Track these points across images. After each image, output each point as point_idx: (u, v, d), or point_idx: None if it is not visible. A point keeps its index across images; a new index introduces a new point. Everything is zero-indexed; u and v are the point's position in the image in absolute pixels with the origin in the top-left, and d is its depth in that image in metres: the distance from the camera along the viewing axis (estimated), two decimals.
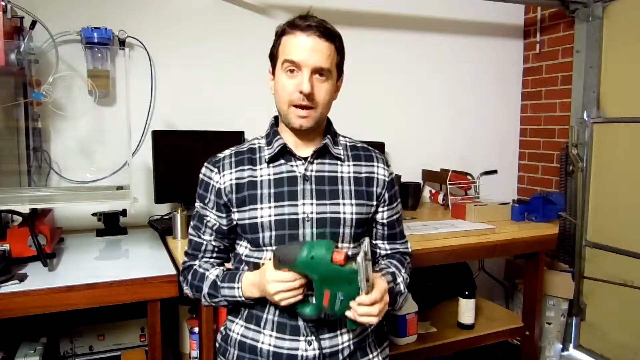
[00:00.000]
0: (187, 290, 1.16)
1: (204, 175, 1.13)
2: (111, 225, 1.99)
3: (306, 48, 1.02)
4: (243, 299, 1.06)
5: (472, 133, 2.88)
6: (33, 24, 1.80)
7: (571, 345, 2.62)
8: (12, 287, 1.36)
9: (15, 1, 1.70)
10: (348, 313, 0.96)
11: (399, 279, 1.13)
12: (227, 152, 1.14)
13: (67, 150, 2.03)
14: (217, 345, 1.19)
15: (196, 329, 1.69)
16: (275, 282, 0.97)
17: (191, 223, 1.17)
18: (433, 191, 2.71)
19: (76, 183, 2.04)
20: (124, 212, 2.01)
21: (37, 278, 1.43)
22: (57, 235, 1.77)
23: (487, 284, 2.82)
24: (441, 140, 2.80)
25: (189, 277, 1.14)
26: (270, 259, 1.01)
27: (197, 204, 1.15)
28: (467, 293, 2.10)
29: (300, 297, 0.99)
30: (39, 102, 1.87)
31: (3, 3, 1.52)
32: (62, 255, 1.67)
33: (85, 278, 1.43)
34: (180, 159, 2.00)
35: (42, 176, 1.98)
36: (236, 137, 2.07)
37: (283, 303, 0.98)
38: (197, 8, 2.22)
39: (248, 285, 1.05)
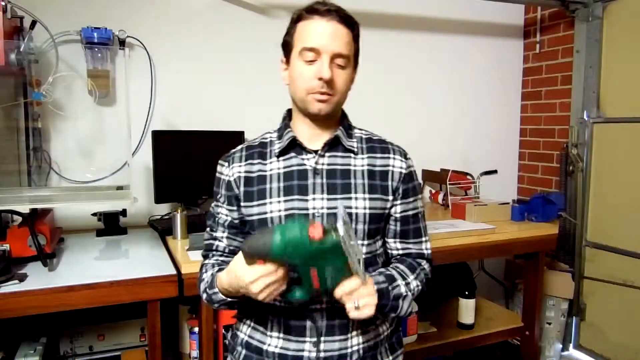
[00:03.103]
0: (202, 293, 1.08)
1: (217, 172, 1.11)
2: (111, 225, 1.99)
3: (325, 33, 0.98)
4: (232, 299, 1.00)
5: (472, 133, 2.88)
6: (33, 24, 1.80)
7: (571, 345, 2.62)
8: (12, 287, 1.36)
9: (15, 1, 1.70)
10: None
11: (400, 282, 1.04)
12: (239, 147, 1.12)
13: (67, 150, 2.03)
14: (227, 342, 1.20)
15: (196, 329, 1.69)
16: (256, 279, 0.87)
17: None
18: (433, 191, 2.71)
19: (76, 183, 2.04)
20: (124, 212, 2.01)
21: (37, 278, 1.43)
22: (57, 235, 1.77)
23: (487, 284, 2.82)
24: (441, 140, 2.80)
25: (201, 276, 1.09)
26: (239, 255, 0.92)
27: (212, 204, 1.12)
28: (467, 293, 2.10)
29: (284, 286, 0.90)
30: (39, 102, 1.87)
31: (3, 3, 1.52)
32: (62, 255, 1.67)
33: (85, 278, 1.43)
34: (180, 159, 2.01)
35: (42, 176, 1.98)
36: (236, 137, 2.07)
37: (268, 299, 0.90)
38: (197, 8, 2.22)
39: (225, 289, 0.98)
